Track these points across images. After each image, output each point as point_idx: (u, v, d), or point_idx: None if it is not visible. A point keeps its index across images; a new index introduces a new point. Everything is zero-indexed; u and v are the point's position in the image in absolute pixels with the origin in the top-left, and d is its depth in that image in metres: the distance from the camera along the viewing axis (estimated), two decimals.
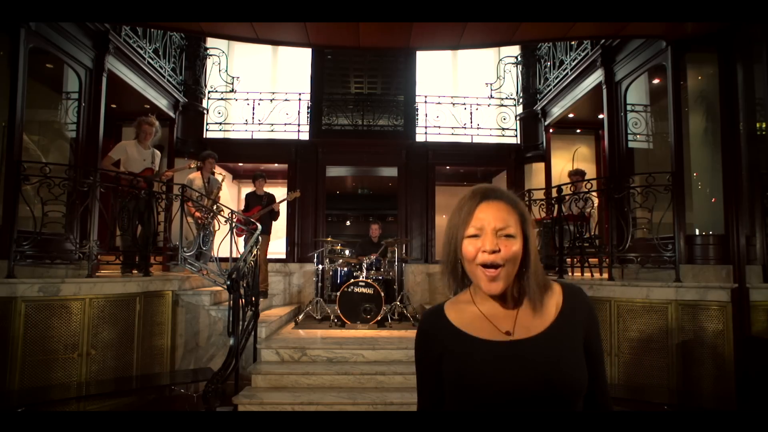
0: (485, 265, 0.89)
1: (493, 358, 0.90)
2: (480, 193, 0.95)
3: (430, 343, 0.98)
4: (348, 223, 12.42)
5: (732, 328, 3.39)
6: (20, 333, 3.26)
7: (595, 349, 0.97)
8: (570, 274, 4.78)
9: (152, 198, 4.30)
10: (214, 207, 4.96)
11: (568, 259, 4.43)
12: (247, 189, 9.19)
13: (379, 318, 5.05)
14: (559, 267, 4.44)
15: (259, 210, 5.64)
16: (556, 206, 4.48)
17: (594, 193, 4.55)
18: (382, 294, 5.07)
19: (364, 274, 5.34)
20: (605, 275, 3.97)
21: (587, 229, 4.79)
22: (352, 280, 5.17)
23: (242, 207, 6.06)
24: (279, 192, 8.86)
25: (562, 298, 0.98)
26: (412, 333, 4.39)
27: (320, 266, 5.98)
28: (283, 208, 6.34)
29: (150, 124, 4.63)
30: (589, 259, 4.32)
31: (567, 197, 4.61)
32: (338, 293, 5.12)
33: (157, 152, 4.81)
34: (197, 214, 4.85)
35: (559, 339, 0.92)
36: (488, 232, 0.90)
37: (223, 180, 5.64)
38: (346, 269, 5.82)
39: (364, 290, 5.09)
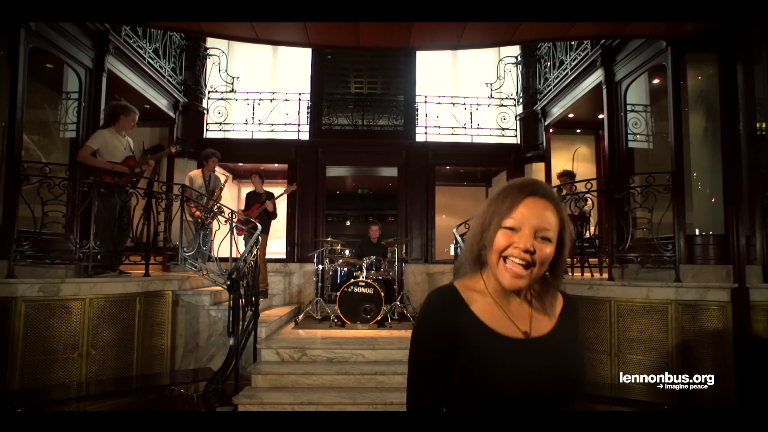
0: (513, 260, 0.88)
1: (513, 355, 0.88)
2: (529, 187, 0.91)
3: (445, 328, 0.91)
4: (348, 223, 12.41)
5: (732, 328, 3.39)
6: (20, 333, 3.25)
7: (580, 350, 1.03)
8: (570, 274, 4.78)
9: (151, 197, 4.29)
10: (215, 207, 4.89)
11: (569, 259, 4.43)
12: (247, 189, 9.22)
13: (379, 318, 5.05)
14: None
15: (258, 208, 5.61)
16: None
17: (590, 194, 4.54)
18: (382, 294, 5.07)
19: (364, 274, 5.34)
20: (605, 275, 3.97)
21: (587, 229, 4.80)
22: (352, 280, 5.17)
23: (242, 206, 6.05)
24: (279, 192, 8.86)
25: (563, 302, 1.00)
26: None
27: (320, 266, 5.98)
28: (283, 208, 6.34)
29: (136, 112, 4.27)
30: (589, 259, 4.32)
31: (567, 197, 4.60)
32: (338, 293, 5.11)
33: (130, 139, 4.34)
34: (197, 213, 4.79)
35: (565, 339, 0.94)
36: (527, 230, 0.87)
37: (225, 181, 5.62)
38: (346, 269, 5.82)
39: (364, 290, 5.09)
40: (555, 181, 6.38)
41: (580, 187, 4.20)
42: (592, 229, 4.65)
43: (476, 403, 0.87)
